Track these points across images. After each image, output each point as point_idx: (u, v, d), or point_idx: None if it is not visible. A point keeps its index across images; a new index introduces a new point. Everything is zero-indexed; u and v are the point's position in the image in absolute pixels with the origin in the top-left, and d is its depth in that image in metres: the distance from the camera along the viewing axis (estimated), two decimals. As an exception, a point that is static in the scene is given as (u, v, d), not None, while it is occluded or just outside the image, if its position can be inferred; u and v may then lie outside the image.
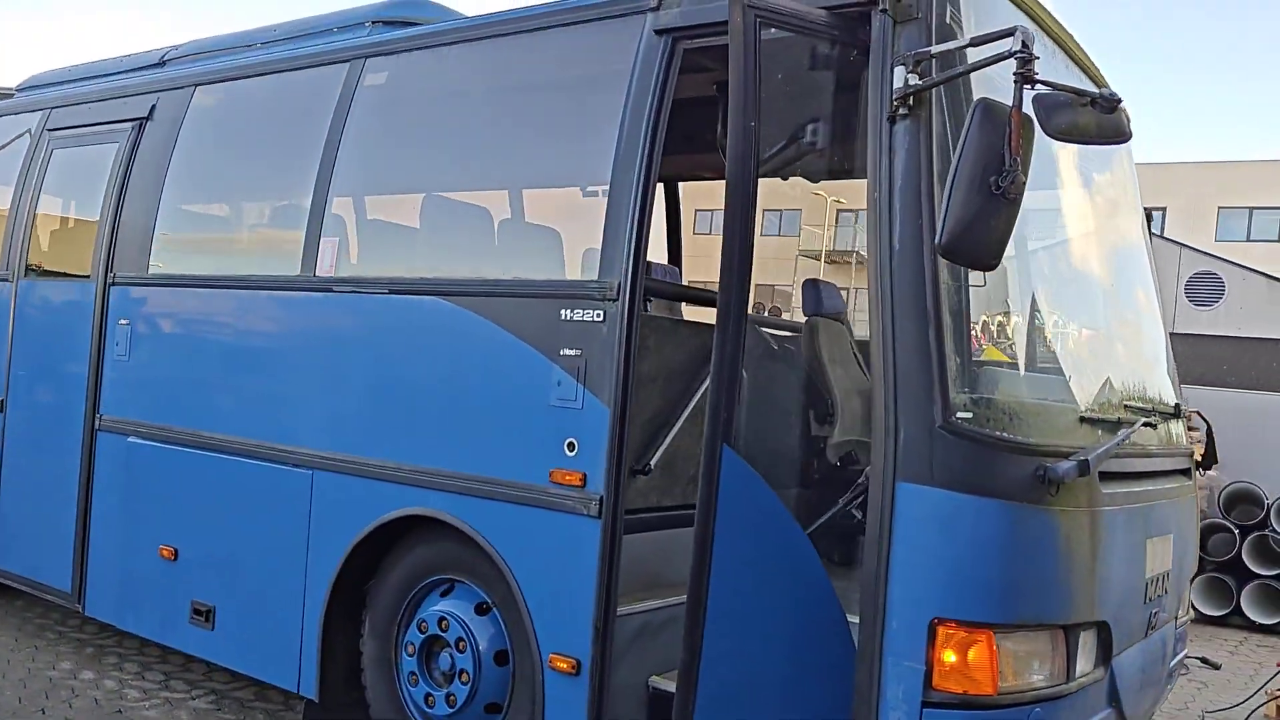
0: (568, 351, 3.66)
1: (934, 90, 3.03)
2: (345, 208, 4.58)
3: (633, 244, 3.55)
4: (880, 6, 3.13)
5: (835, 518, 4.94)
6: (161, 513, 5.01)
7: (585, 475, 3.58)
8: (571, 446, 3.63)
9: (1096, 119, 2.66)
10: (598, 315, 3.59)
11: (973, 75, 3.02)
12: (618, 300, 3.55)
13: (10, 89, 6.75)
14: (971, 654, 2.88)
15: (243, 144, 5.23)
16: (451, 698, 4.02)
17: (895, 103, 3.04)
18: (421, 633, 4.13)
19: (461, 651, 4.00)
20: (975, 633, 2.89)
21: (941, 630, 2.88)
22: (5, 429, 5.89)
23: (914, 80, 2.99)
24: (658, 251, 5.34)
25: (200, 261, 5.31)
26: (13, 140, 6.30)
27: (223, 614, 4.74)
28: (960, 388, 2.95)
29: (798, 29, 3.27)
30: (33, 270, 5.91)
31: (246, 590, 4.65)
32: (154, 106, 5.46)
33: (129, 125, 5.53)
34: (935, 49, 2.98)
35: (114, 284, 5.36)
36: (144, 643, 5.69)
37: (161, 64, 5.85)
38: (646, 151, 3.56)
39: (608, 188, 3.65)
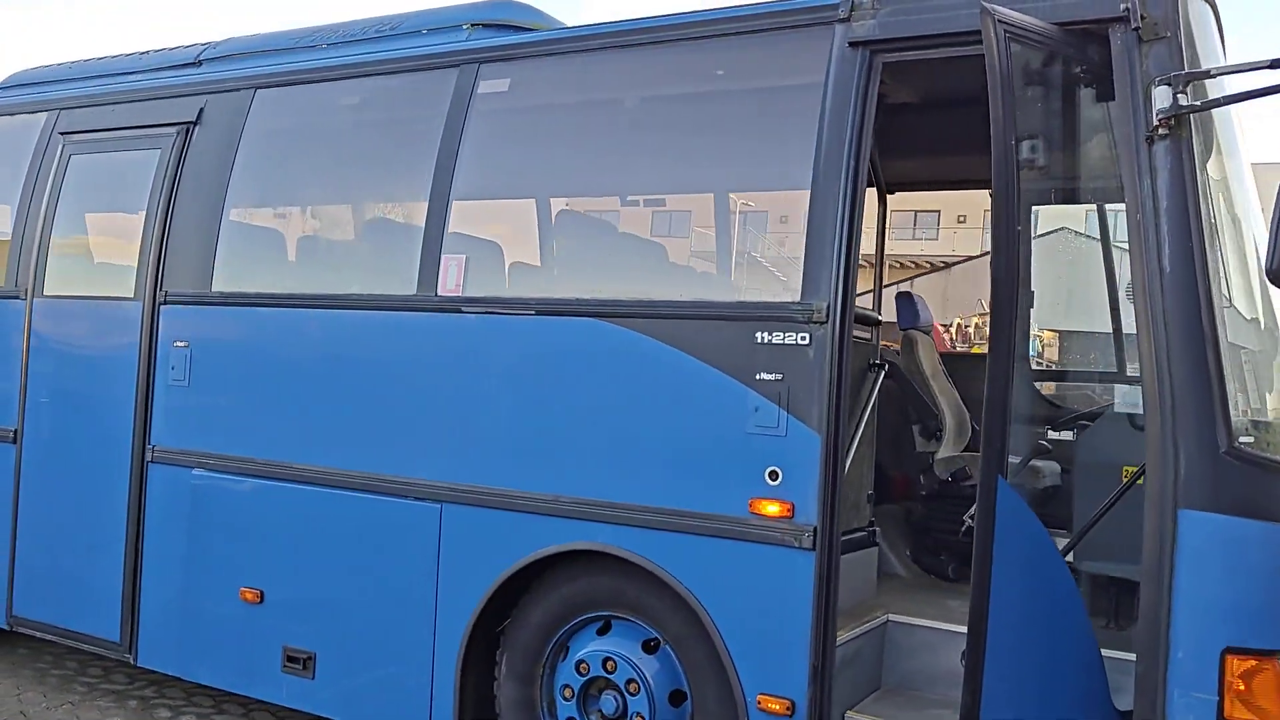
0: (765, 376, 3.49)
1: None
2: (466, 223, 4.28)
3: (842, 266, 3.41)
4: (1131, 25, 3.08)
5: (942, 535, 4.90)
6: (241, 552, 4.61)
7: (793, 505, 3.43)
8: (774, 475, 3.47)
9: None
10: (803, 339, 3.44)
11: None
12: (826, 323, 3.40)
13: None
14: (1260, 683, 2.85)
15: (325, 152, 4.85)
16: (623, 743, 3.81)
17: (1157, 123, 2.99)
18: (581, 674, 3.89)
19: (633, 694, 3.79)
20: (1265, 661, 2.86)
21: (1233, 660, 2.85)
22: (20, 464, 5.33)
23: (1183, 100, 2.94)
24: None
25: (277, 279, 4.89)
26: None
27: (325, 661, 4.38)
28: (1239, 411, 2.92)
29: (1036, 44, 3.19)
30: (50, 287, 5.36)
31: (356, 634, 4.31)
32: (202, 110, 5.02)
33: (173, 130, 5.07)
34: (1214, 71, 2.95)
35: (166, 303, 4.91)
36: (191, 690, 5.25)
37: (198, 63, 5.38)
38: (851, 170, 3.42)
39: (807, 206, 3.49)
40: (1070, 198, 4.42)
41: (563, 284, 4.30)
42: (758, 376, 3.50)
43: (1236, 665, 2.84)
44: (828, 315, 3.40)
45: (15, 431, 5.35)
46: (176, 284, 4.89)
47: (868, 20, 3.52)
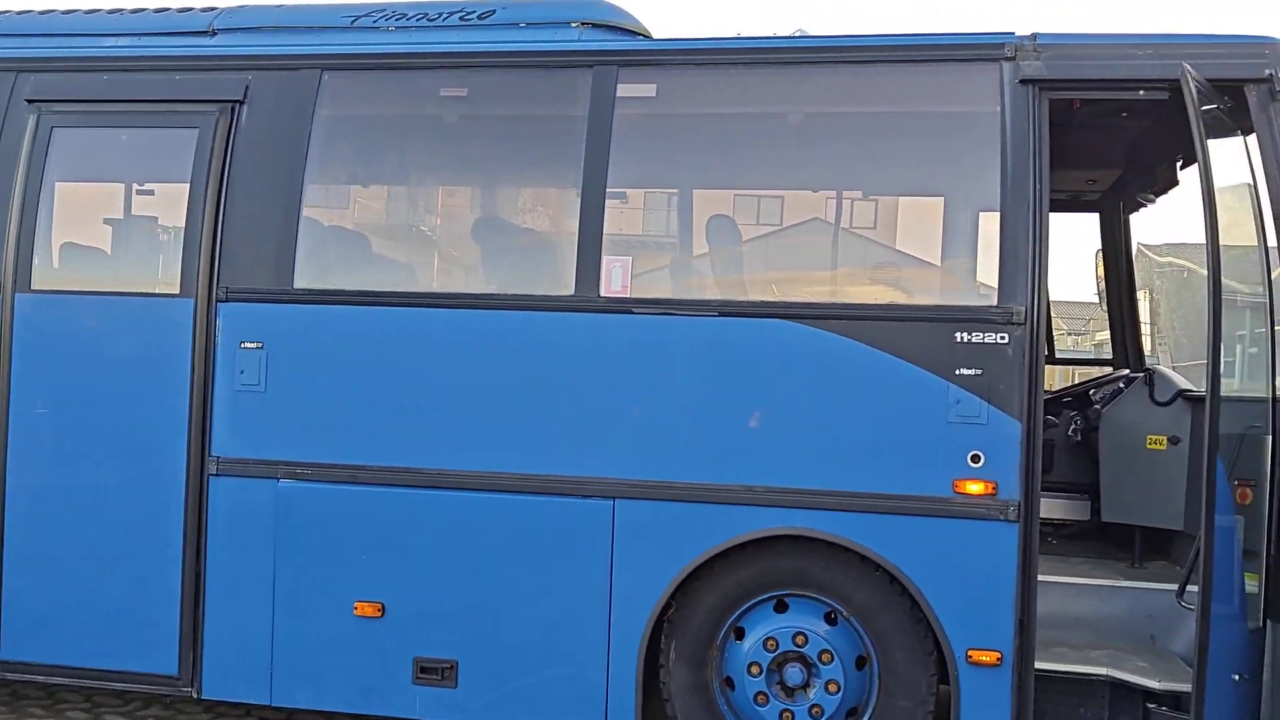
0: (965, 371, 3.97)
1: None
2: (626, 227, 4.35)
3: (1036, 274, 3.95)
4: (1273, 88, 3.87)
5: None
6: (355, 564, 4.36)
7: (997, 484, 3.94)
8: (976, 459, 3.96)
9: None
10: (1002, 338, 3.95)
11: None
12: (1025, 324, 3.94)
13: None
14: None
15: (424, 145, 4.63)
16: (817, 709, 4.15)
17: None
18: (769, 651, 4.17)
19: (826, 663, 4.14)
20: None
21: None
22: (6, 485, 4.62)
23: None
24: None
25: (374, 277, 4.61)
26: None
27: (469, 669, 4.30)
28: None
29: (1206, 97, 3.89)
30: (40, 281, 4.66)
31: (508, 639, 4.27)
32: (248, 87, 4.60)
33: (214, 108, 4.59)
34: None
35: (227, 300, 4.48)
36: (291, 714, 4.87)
37: (211, 32, 4.87)
38: (1039, 187, 3.97)
39: (999, 220, 4.00)
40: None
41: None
42: (958, 372, 3.96)
43: None
44: (1025, 318, 3.94)
45: (-11, 449, 4.61)
46: (243, 280, 4.48)
47: (1035, 61, 4.07)
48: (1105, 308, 6.24)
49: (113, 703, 5.11)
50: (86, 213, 4.92)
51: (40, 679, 4.66)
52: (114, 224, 4.98)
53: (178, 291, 4.53)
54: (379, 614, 4.35)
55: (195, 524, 4.47)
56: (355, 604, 4.36)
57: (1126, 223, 5.89)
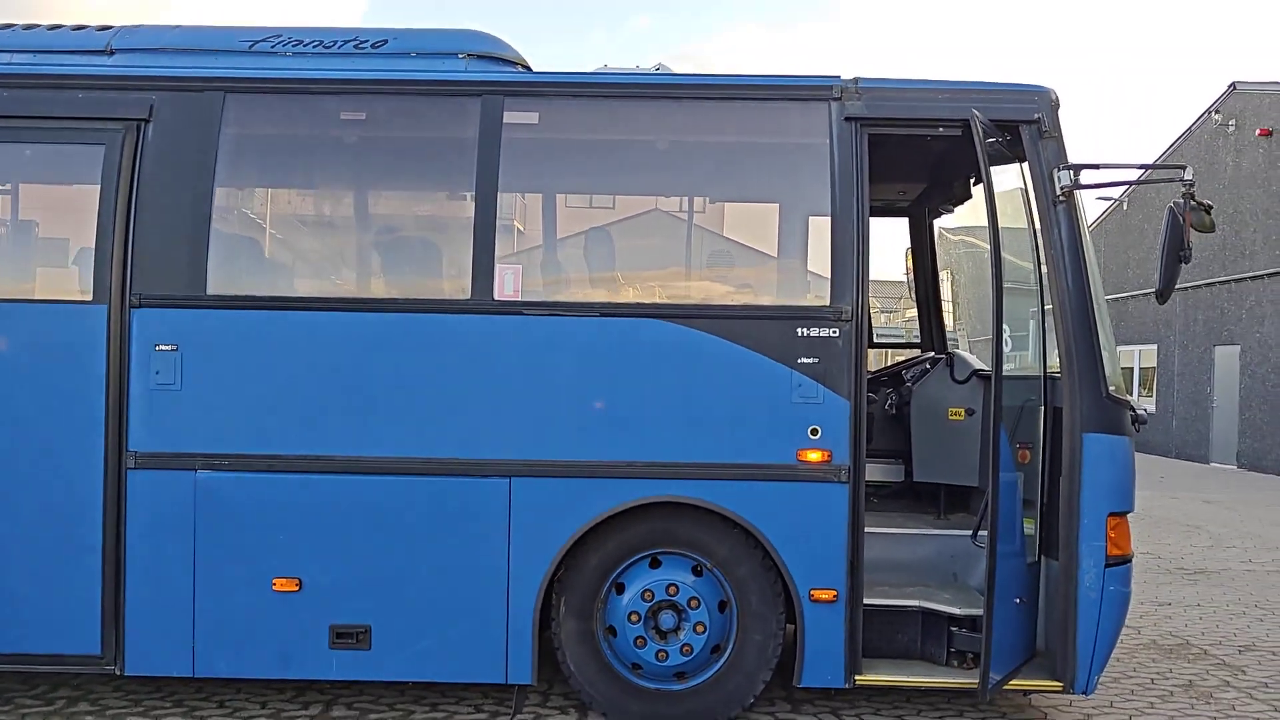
0: (805, 360, 4.77)
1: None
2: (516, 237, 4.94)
3: (860, 278, 4.78)
4: (1040, 128, 4.82)
5: None
6: (272, 545, 4.82)
7: (831, 452, 4.77)
8: (815, 432, 4.78)
9: (1212, 220, 4.68)
10: (833, 332, 4.77)
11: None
12: (851, 320, 4.77)
13: None
14: (1120, 531, 4.80)
15: (325, 162, 5.07)
16: (687, 647, 4.91)
17: (1061, 193, 4.76)
18: (646, 600, 4.89)
19: (694, 608, 4.90)
20: (1122, 518, 4.81)
21: (1110, 519, 4.75)
22: (-79, 484, 4.83)
23: (1084, 179, 4.74)
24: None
25: (283, 282, 5.02)
26: None
27: (382, 631, 4.84)
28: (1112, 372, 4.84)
29: (991, 134, 4.80)
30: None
31: (419, 603, 4.82)
32: (153, 106, 4.94)
33: (118, 126, 4.91)
34: (1103, 164, 4.76)
35: (140, 306, 4.83)
36: (199, 688, 5.27)
37: (109, 52, 5.17)
38: (860, 206, 4.80)
39: (830, 233, 4.81)
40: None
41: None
42: (799, 361, 4.76)
43: (1112, 522, 4.76)
44: (851, 316, 4.77)
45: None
46: (156, 287, 4.84)
47: (856, 101, 4.90)
48: (914, 297, 7.24)
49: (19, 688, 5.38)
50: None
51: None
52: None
53: (91, 298, 4.85)
54: (297, 589, 4.82)
55: (115, 515, 4.82)
56: (274, 580, 4.82)
57: (931, 227, 6.89)
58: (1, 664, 4.90)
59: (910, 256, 7.08)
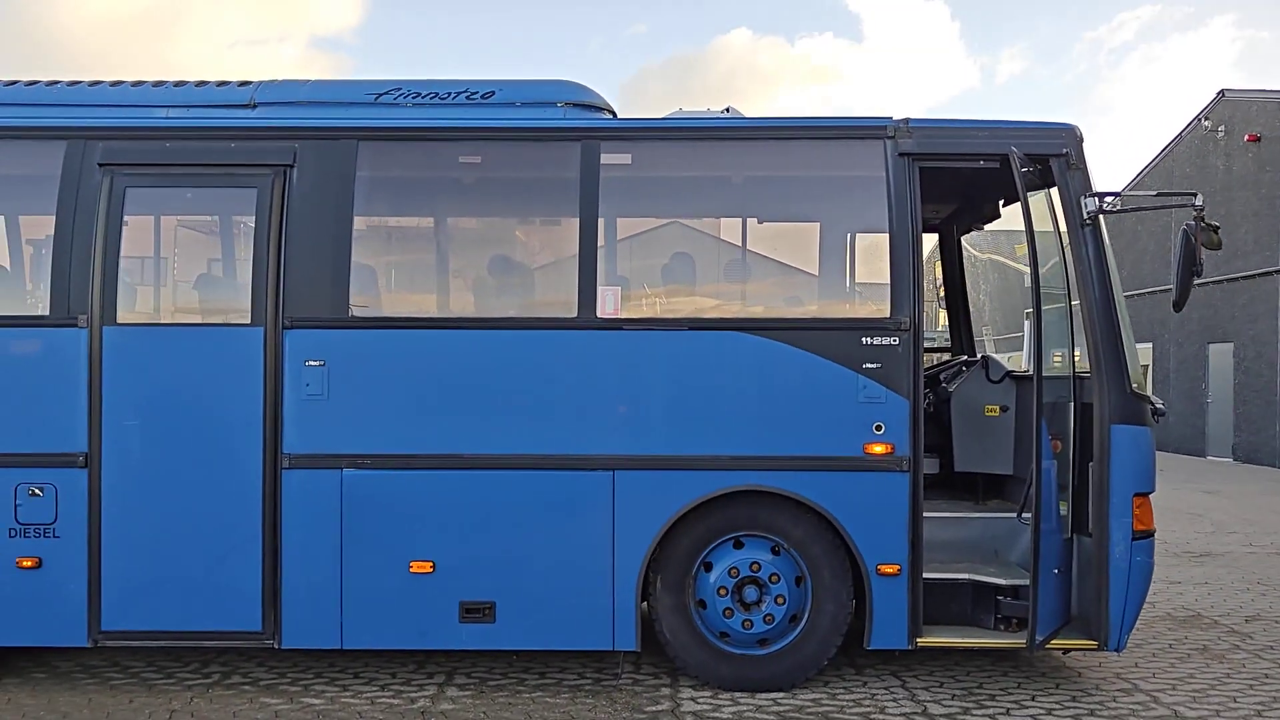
0: (870, 365, 5.52)
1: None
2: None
3: (915, 292, 5.54)
4: (1068, 160, 5.58)
5: None
6: (409, 532, 5.55)
7: (894, 445, 5.52)
8: (879, 428, 5.52)
9: (1219, 238, 5.44)
10: (894, 340, 5.52)
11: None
12: (910, 330, 5.52)
13: None
14: (1144, 510, 5.55)
15: (443, 200, 5.82)
16: (769, 617, 5.65)
17: (1088, 217, 5.52)
18: (733, 577, 5.64)
19: (774, 583, 5.64)
20: (1145, 498, 5.57)
21: (1136, 499, 5.51)
22: (100, 487, 5.55)
23: (1107, 205, 5.50)
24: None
25: (410, 304, 5.78)
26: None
27: (505, 606, 5.57)
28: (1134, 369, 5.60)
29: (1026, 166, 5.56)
30: (124, 315, 5.60)
31: (537, 581, 5.55)
32: (296, 152, 5.68)
33: (268, 170, 5.65)
34: (1124, 193, 5.52)
35: (291, 328, 5.56)
36: (326, 660, 5.98)
37: (252, 105, 5.91)
38: (915, 230, 5.55)
39: (889, 253, 5.56)
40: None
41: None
42: (864, 366, 5.51)
43: (1137, 501, 5.52)
44: (909, 325, 5.52)
45: (85, 456, 5.54)
46: (303, 310, 5.57)
47: (908, 139, 5.66)
48: (944, 307, 8.00)
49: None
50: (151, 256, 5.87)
51: (141, 644, 5.61)
52: (175, 264, 5.96)
53: (249, 322, 5.58)
54: (431, 570, 5.56)
55: (272, 509, 5.55)
56: (411, 563, 5.55)
57: (959, 243, 7.66)
58: (175, 640, 5.62)
59: (940, 267, 7.84)
